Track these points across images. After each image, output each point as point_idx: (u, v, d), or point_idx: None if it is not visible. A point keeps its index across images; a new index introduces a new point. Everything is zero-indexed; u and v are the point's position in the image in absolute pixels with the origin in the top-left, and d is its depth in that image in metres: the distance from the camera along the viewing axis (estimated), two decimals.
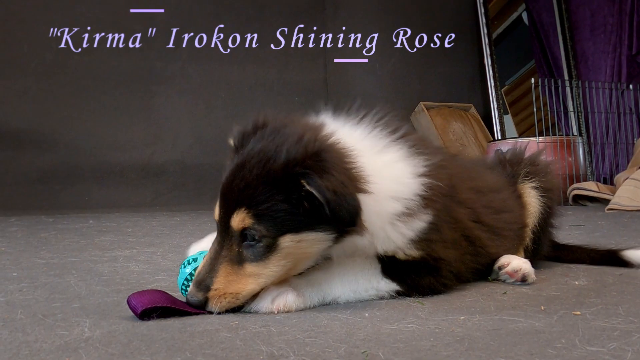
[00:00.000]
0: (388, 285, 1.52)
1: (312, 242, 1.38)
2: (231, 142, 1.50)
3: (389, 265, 1.52)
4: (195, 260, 1.52)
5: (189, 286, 1.46)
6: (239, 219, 1.34)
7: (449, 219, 1.60)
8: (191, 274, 1.48)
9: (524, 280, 1.74)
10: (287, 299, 1.40)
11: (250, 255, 1.37)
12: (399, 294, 1.53)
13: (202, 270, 1.39)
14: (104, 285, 1.80)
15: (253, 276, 1.38)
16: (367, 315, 1.36)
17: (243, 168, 1.37)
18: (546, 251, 2.10)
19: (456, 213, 1.64)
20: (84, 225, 4.03)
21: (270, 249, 1.36)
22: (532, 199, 2.03)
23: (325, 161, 1.32)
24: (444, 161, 1.63)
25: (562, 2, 7.69)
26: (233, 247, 1.37)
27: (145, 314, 1.33)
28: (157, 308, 1.34)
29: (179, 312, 1.37)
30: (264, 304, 1.39)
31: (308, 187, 1.29)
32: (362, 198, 1.35)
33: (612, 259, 2.09)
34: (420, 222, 1.49)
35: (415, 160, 1.51)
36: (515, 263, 1.76)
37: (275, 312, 1.38)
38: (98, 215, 4.96)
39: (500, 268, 1.77)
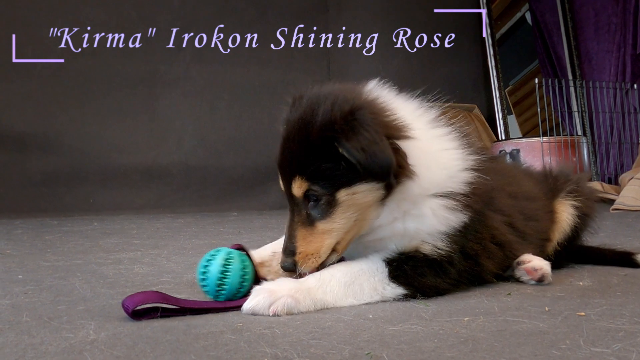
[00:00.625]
0: (394, 291, 1.52)
1: (366, 192, 1.47)
2: (281, 126, 1.59)
3: (396, 268, 1.52)
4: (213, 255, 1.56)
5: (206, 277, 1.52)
6: (297, 186, 1.47)
7: (482, 222, 1.63)
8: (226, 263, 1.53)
9: (540, 280, 1.73)
10: (285, 305, 1.38)
11: (317, 214, 1.48)
12: (404, 297, 1.53)
13: (286, 239, 1.51)
14: (109, 287, 1.81)
15: (326, 232, 1.49)
16: (371, 316, 1.36)
17: (288, 140, 1.50)
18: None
19: (490, 220, 1.67)
20: (89, 228, 4.05)
21: (331, 204, 1.47)
22: (568, 216, 2.04)
23: (356, 120, 1.41)
24: (489, 167, 1.67)
25: (565, 2, 7.67)
26: (302, 211, 1.50)
27: (137, 314, 1.34)
28: (151, 309, 1.36)
29: (176, 310, 1.39)
30: (261, 308, 1.38)
31: (340, 150, 1.40)
32: (409, 144, 1.47)
33: (624, 261, 2.09)
34: (457, 217, 1.55)
35: (465, 153, 1.60)
36: (537, 262, 1.76)
37: (270, 315, 1.37)
38: (102, 218, 4.97)
39: (519, 263, 1.77)
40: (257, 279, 1.62)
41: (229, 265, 1.53)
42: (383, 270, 1.52)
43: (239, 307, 1.43)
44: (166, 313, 1.39)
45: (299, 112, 1.51)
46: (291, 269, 1.49)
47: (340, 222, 1.49)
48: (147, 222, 4.47)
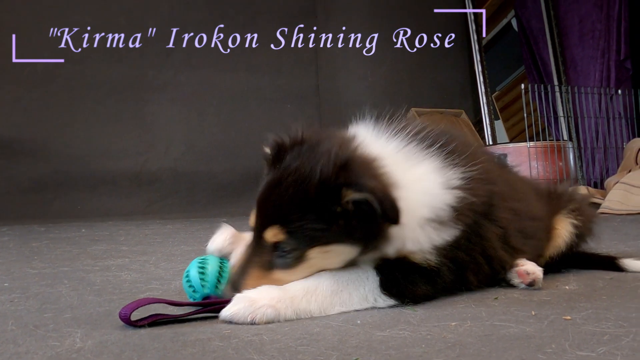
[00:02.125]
0: (385, 302, 1.50)
1: (339, 253, 1.47)
2: (267, 150, 1.55)
3: (388, 278, 1.50)
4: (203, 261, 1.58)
5: (193, 289, 1.54)
6: (272, 234, 1.43)
7: (475, 235, 1.61)
8: (201, 266, 1.55)
9: (530, 284, 1.74)
10: (265, 315, 1.36)
11: (280, 264, 1.46)
12: (394, 305, 1.52)
13: (236, 272, 1.49)
14: (96, 295, 1.79)
15: (279, 281, 1.46)
16: (359, 322, 1.37)
17: (279, 185, 1.44)
18: None
19: (485, 230, 1.65)
20: (76, 234, 4.01)
21: (299, 260, 1.45)
22: (565, 233, 2.04)
23: (354, 170, 1.41)
24: (487, 174, 1.65)
25: (550, 9, 7.77)
26: (264, 255, 1.47)
27: (131, 321, 1.33)
28: (148, 318, 1.35)
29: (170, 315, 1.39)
30: (240, 317, 1.35)
31: (354, 195, 1.37)
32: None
33: (610, 265, 2.10)
34: (447, 233, 1.53)
35: (450, 172, 1.55)
36: (530, 266, 1.77)
37: (248, 322, 1.35)
38: (90, 224, 4.93)
39: (512, 266, 1.79)
40: None
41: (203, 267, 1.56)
42: (374, 279, 1.50)
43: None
44: (160, 316, 1.38)
45: (298, 161, 1.45)
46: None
47: (298, 276, 1.47)
48: (136, 229, 4.44)
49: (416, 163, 1.54)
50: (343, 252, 1.47)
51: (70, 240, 3.60)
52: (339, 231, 1.42)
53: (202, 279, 1.53)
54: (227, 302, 1.41)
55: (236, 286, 1.44)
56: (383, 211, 1.36)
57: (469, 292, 1.70)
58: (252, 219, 1.50)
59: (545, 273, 1.96)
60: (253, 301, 1.37)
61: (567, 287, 1.78)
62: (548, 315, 1.39)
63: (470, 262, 1.63)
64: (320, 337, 1.23)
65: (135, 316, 1.35)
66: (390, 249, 1.50)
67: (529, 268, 1.76)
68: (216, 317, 1.41)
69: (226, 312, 1.37)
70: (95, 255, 2.85)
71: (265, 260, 1.46)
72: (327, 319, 1.41)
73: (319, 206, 1.40)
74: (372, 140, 1.56)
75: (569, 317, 1.37)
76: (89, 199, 5.75)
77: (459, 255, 1.58)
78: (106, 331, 1.31)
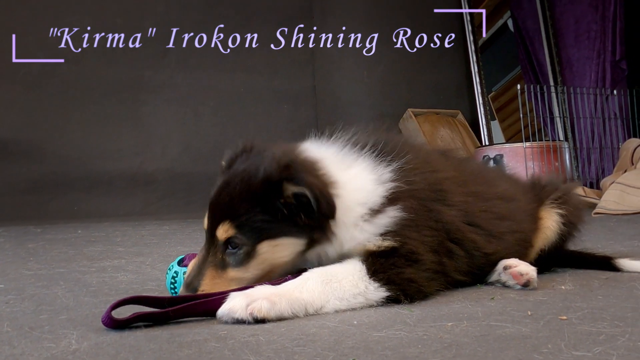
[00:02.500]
0: (377, 293, 1.52)
1: (287, 246, 1.56)
2: (222, 163, 1.71)
3: (372, 263, 1.54)
4: (182, 260, 1.71)
5: (176, 286, 1.67)
6: (223, 230, 1.52)
7: (430, 219, 1.66)
8: (176, 272, 1.68)
9: (525, 285, 1.75)
10: (262, 307, 1.37)
11: (232, 261, 1.54)
12: (388, 300, 1.53)
13: (190, 274, 1.56)
14: (92, 296, 1.79)
15: (235, 280, 1.54)
16: (355, 322, 1.37)
17: (228, 185, 1.57)
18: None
19: (442, 215, 1.69)
20: (73, 236, 4.01)
21: (250, 255, 1.53)
22: (552, 224, 2.04)
23: (296, 169, 1.54)
24: (423, 164, 1.74)
25: (546, 9, 7.79)
26: (218, 254, 1.55)
27: (118, 323, 1.32)
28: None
29: (155, 315, 1.39)
30: (238, 309, 1.36)
31: (293, 188, 1.50)
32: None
33: (606, 265, 2.10)
34: (386, 218, 1.59)
35: (380, 168, 1.65)
36: (524, 267, 1.77)
37: (248, 315, 1.35)
38: (87, 225, 4.92)
39: (505, 268, 1.79)
40: None
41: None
42: (361, 267, 1.54)
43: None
44: (147, 314, 1.38)
45: (245, 163, 1.60)
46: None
47: (252, 272, 1.55)
48: (132, 230, 4.44)
49: (351, 164, 1.66)
50: (290, 244, 1.56)
51: (66, 242, 3.59)
52: (284, 224, 1.53)
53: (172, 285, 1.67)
54: (212, 295, 1.45)
55: (192, 287, 1.51)
56: (319, 205, 1.49)
57: (465, 292, 1.71)
58: (205, 222, 1.59)
59: (541, 270, 1.97)
60: (248, 295, 1.40)
61: (563, 287, 1.78)
62: (544, 315, 1.39)
63: (437, 244, 1.66)
64: (317, 338, 1.24)
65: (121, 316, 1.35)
66: (331, 248, 1.60)
67: (522, 269, 1.77)
68: (212, 317, 1.41)
69: (223, 309, 1.38)
70: (91, 256, 2.85)
71: (218, 259, 1.54)
72: (323, 319, 1.41)
73: (265, 200, 1.52)
74: (314, 147, 1.71)
75: (565, 317, 1.37)
76: (85, 200, 5.73)
77: (414, 236, 1.61)
78: (102, 332, 1.31)
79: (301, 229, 1.54)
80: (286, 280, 1.51)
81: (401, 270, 1.56)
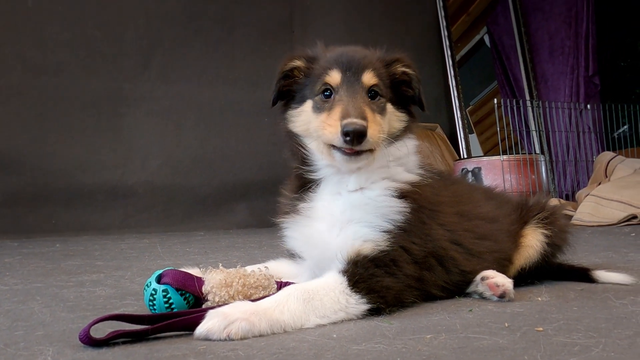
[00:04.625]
0: (358, 306, 1.53)
1: (398, 118, 1.81)
2: (297, 61, 1.88)
3: (353, 274, 1.56)
4: (160, 276, 1.67)
5: (155, 303, 1.62)
6: (369, 76, 1.73)
7: (422, 231, 1.71)
8: (155, 289, 1.64)
9: (502, 296, 1.78)
10: (240, 329, 1.35)
11: (377, 108, 1.73)
12: (369, 312, 1.55)
13: (355, 106, 1.65)
14: (69, 311, 1.77)
15: (380, 124, 1.70)
16: (335, 336, 1.37)
17: (355, 51, 1.80)
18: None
19: (433, 231, 1.75)
20: (50, 249, 3.94)
21: (384, 109, 1.76)
22: (536, 243, 2.07)
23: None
24: (435, 186, 1.85)
25: (521, 25, 7.97)
26: (366, 98, 1.72)
27: (94, 340, 1.31)
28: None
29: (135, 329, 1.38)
30: (216, 332, 1.34)
31: (409, 70, 1.82)
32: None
33: (582, 276, 2.14)
34: (401, 184, 1.75)
35: (416, 169, 1.85)
36: (500, 279, 1.81)
37: (224, 338, 1.34)
38: (65, 239, 4.85)
39: (483, 278, 1.82)
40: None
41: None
42: (342, 281, 1.55)
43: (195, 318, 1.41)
44: (125, 332, 1.36)
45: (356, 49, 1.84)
46: (362, 131, 1.59)
47: (385, 125, 1.74)
48: (112, 243, 4.38)
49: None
50: (400, 119, 1.82)
51: (43, 256, 3.53)
52: (399, 97, 1.83)
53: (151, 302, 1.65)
54: (190, 313, 1.43)
55: (363, 116, 1.62)
56: (419, 93, 1.84)
57: (443, 304, 1.73)
58: (336, 77, 1.72)
59: (519, 284, 2.00)
60: (226, 315, 1.36)
61: (539, 299, 1.81)
62: (521, 327, 1.42)
63: (421, 257, 1.70)
64: (297, 352, 1.24)
65: (99, 334, 1.33)
66: (397, 151, 1.78)
67: (498, 280, 1.80)
68: (190, 333, 1.40)
69: (201, 329, 1.35)
70: (69, 270, 2.81)
71: (367, 102, 1.70)
72: (303, 333, 1.41)
73: (389, 69, 1.80)
74: None
75: (541, 329, 1.39)
76: (63, 213, 5.63)
77: (407, 245, 1.66)
78: (79, 349, 1.30)
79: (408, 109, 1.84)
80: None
81: (381, 279, 1.58)
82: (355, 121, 1.59)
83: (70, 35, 5.87)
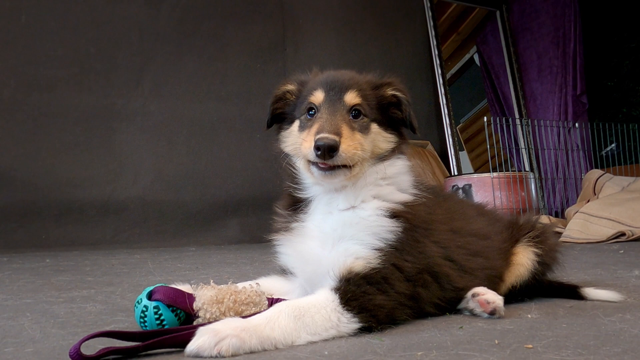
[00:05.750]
0: (349, 325, 1.53)
1: (385, 139, 1.82)
2: (290, 85, 1.92)
3: (345, 292, 1.56)
4: (151, 293, 1.67)
5: (146, 320, 1.62)
6: (352, 96, 1.76)
7: (416, 249, 1.72)
8: (145, 306, 1.62)
9: (492, 313, 1.79)
10: (230, 346, 1.34)
11: (357, 126, 1.74)
12: (360, 330, 1.55)
13: (331, 122, 1.68)
14: (60, 327, 1.76)
15: (359, 142, 1.71)
16: (326, 353, 1.37)
17: (343, 74, 1.84)
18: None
19: (427, 248, 1.76)
20: (40, 265, 3.90)
21: (367, 128, 1.77)
22: (527, 261, 2.08)
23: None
24: (429, 199, 1.86)
25: (510, 45, 8.10)
26: (346, 116, 1.74)
27: (84, 357, 1.31)
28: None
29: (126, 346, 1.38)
30: (206, 349, 1.33)
31: (398, 93, 1.84)
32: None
33: (571, 293, 2.16)
34: (393, 204, 1.75)
35: (412, 186, 1.86)
36: (491, 296, 1.82)
37: (214, 355, 1.33)
38: (55, 254, 4.81)
39: (474, 295, 1.83)
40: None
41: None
42: (333, 298, 1.54)
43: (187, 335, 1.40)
44: (116, 349, 1.36)
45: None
46: (334, 145, 1.61)
47: (369, 144, 1.75)
48: (102, 258, 4.35)
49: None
50: (387, 140, 1.82)
51: (33, 271, 3.50)
52: (387, 118, 1.83)
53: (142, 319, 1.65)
54: (181, 330, 1.42)
55: (338, 132, 1.64)
56: (408, 114, 1.83)
57: (434, 321, 1.74)
58: (319, 96, 1.77)
59: (509, 301, 2.02)
60: (217, 332, 1.36)
61: (529, 316, 1.82)
62: (510, 344, 1.43)
63: (415, 274, 1.70)
64: None
65: (90, 351, 1.33)
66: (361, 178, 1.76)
67: (489, 297, 1.81)
68: (182, 350, 1.39)
69: (191, 346, 1.34)
70: (59, 286, 2.78)
71: (347, 120, 1.72)
72: (294, 350, 1.41)
73: (377, 91, 1.83)
74: None
75: (530, 346, 1.40)
76: (54, 228, 5.59)
77: (399, 263, 1.67)
78: None
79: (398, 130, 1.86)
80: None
81: (372, 297, 1.58)
82: (326, 136, 1.62)
83: (63, 51, 5.89)
